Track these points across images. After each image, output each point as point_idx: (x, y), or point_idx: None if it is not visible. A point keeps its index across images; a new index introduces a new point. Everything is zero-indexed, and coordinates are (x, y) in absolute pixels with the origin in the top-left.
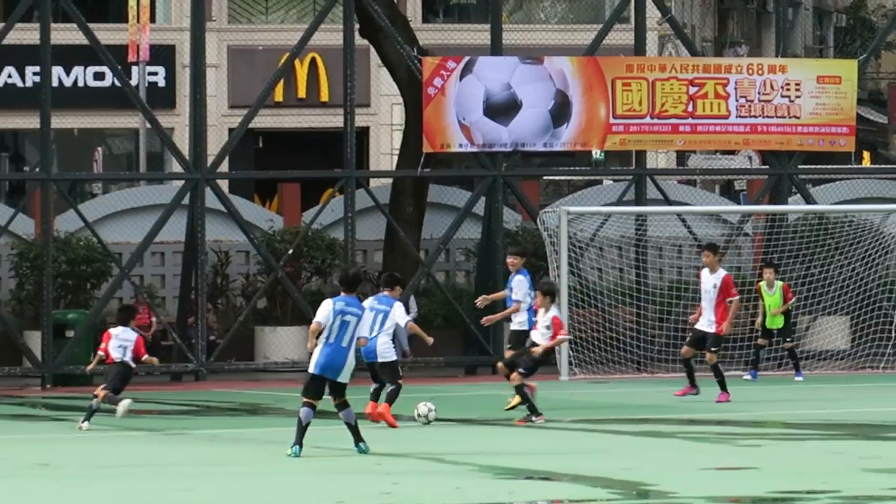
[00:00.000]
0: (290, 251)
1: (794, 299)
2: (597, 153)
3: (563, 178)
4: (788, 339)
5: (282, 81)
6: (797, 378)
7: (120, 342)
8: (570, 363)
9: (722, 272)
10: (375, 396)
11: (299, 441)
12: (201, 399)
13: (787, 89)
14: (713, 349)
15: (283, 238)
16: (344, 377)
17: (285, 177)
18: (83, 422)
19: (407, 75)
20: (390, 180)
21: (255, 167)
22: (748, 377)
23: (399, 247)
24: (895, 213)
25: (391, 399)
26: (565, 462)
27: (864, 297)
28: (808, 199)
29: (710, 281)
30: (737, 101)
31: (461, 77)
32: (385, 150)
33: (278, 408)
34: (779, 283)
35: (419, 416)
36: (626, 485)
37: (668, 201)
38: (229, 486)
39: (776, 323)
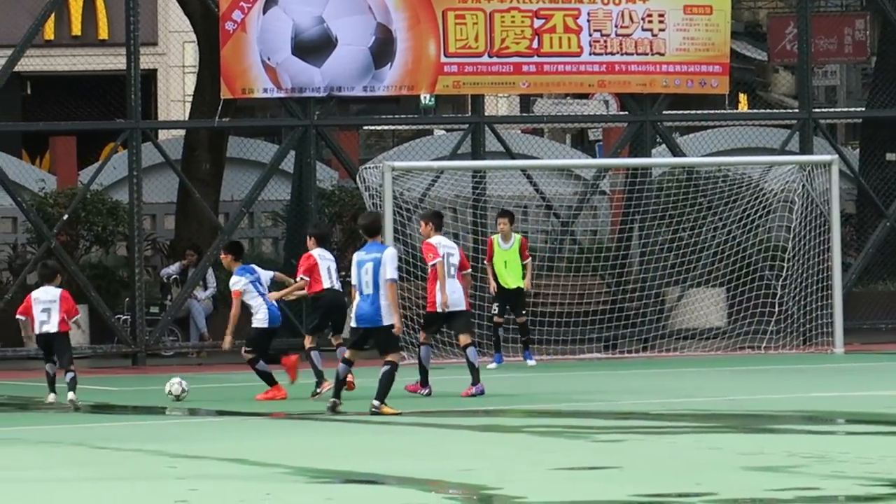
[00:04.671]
0: (66, 217)
1: (530, 259)
2: (426, 98)
3: (386, 127)
4: (524, 312)
5: (53, 16)
6: (529, 362)
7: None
8: None
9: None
10: None
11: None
12: None
13: (650, 21)
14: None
15: (57, 201)
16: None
17: (58, 129)
18: None
19: (201, 7)
20: (182, 132)
21: (23, 118)
22: (492, 365)
23: (194, 210)
24: (777, 165)
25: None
26: (392, 462)
27: (743, 266)
28: (675, 151)
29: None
30: (590, 35)
31: (265, 9)
32: (176, 97)
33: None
34: (517, 237)
35: (171, 394)
36: (465, 488)
37: (510, 154)
38: None
39: (517, 281)
